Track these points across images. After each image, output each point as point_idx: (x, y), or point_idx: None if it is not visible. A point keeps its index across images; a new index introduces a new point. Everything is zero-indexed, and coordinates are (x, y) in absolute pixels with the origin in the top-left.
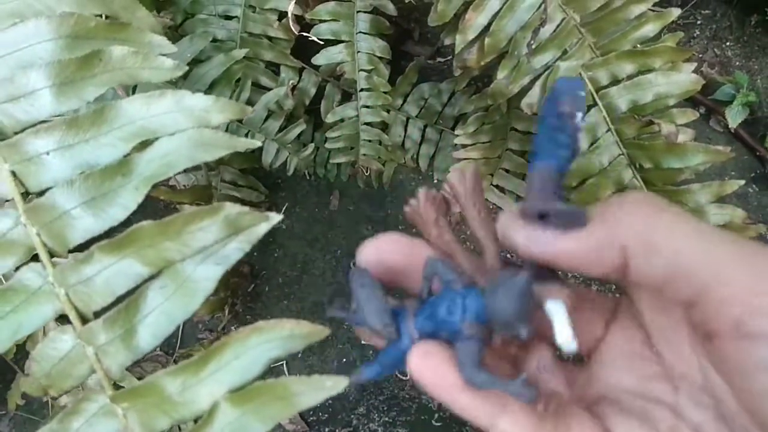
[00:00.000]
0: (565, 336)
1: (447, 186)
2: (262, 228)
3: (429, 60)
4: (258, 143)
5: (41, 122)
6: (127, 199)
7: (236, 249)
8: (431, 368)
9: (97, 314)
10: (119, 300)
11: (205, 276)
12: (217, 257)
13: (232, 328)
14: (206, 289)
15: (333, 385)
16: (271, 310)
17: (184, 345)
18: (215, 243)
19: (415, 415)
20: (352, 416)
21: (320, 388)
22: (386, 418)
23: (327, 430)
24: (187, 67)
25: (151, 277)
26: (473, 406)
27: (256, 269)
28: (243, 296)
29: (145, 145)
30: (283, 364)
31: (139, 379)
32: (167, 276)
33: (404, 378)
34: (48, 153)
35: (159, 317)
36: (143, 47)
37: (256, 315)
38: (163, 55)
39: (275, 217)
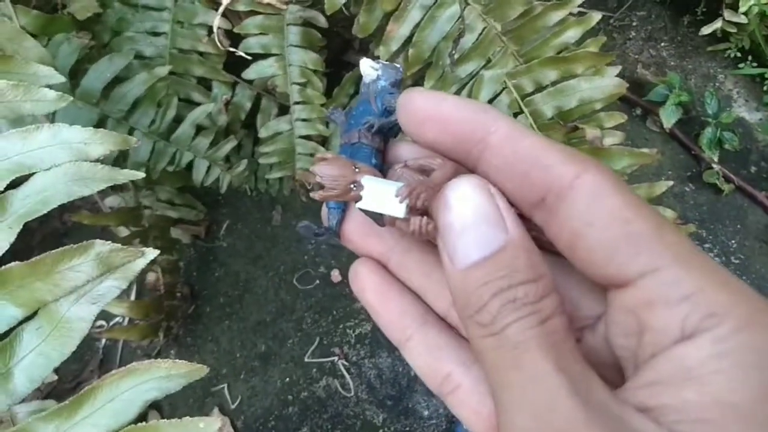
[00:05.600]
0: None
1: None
2: (138, 264)
3: None
4: (141, 174)
5: None
6: (0, 239)
7: (112, 287)
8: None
9: None
10: None
11: (79, 316)
12: (92, 296)
13: (171, 352)
14: (82, 330)
15: (205, 427)
16: (212, 331)
17: None
18: (88, 282)
19: None
20: None
21: (192, 431)
22: None
23: None
24: (70, 98)
25: (26, 319)
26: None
27: (196, 290)
28: (183, 318)
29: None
30: (224, 387)
31: None
32: (42, 317)
33: (348, 395)
34: None
35: (36, 359)
36: (28, 78)
37: (197, 337)
38: (49, 86)
39: (151, 253)
